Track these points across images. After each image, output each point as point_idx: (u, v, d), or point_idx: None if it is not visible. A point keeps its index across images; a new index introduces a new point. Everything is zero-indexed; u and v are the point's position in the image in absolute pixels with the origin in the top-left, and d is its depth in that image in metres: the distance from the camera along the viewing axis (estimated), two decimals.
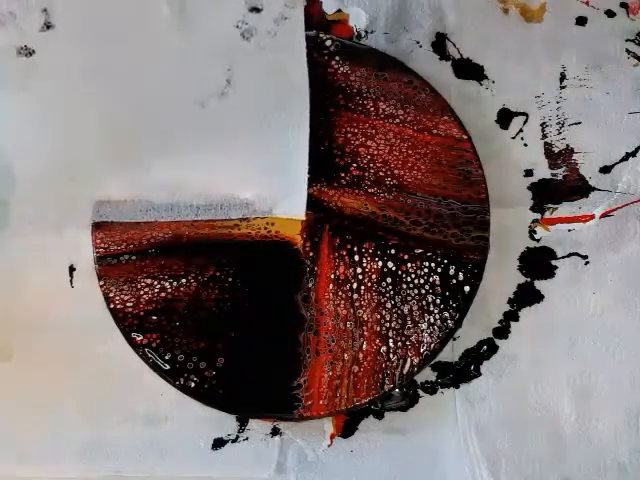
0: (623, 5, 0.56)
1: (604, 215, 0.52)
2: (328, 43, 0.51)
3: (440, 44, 0.55)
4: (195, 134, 0.51)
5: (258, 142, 0.51)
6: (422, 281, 0.50)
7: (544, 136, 0.54)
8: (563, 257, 0.52)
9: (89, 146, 0.51)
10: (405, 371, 0.48)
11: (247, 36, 0.50)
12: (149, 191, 0.51)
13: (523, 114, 0.54)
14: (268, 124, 0.50)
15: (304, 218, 0.50)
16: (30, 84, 0.50)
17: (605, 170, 0.53)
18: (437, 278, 0.50)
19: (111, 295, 0.49)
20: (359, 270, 0.50)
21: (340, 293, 0.49)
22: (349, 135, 0.52)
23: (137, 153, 0.51)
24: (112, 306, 0.49)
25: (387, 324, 0.49)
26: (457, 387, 0.50)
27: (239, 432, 0.49)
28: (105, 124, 0.51)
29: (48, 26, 0.49)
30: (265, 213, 0.51)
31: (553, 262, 0.52)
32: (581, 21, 0.56)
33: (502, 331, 0.51)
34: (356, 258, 0.50)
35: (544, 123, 0.54)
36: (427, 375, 0.50)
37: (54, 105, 0.50)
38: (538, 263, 0.52)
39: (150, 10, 0.50)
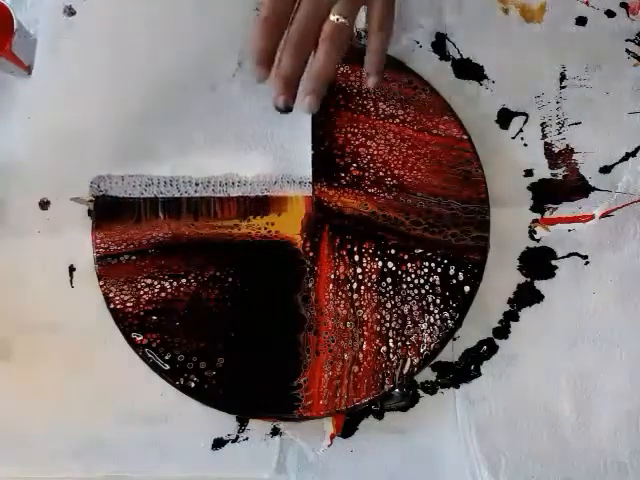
0: (623, 5, 0.56)
1: (604, 215, 0.52)
2: None
3: (440, 44, 0.55)
4: (202, 112, 0.52)
5: (262, 123, 0.52)
6: (422, 281, 0.50)
7: (544, 136, 0.54)
8: (563, 257, 0.52)
9: (96, 119, 0.52)
10: (405, 371, 0.48)
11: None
12: (149, 166, 0.51)
13: (523, 114, 0.54)
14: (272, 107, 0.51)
15: (310, 194, 0.51)
16: (64, 43, 0.54)
17: (605, 170, 0.53)
18: (437, 278, 0.50)
19: (111, 295, 0.49)
20: (359, 270, 0.50)
21: (340, 293, 0.49)
22: (349, 135, 0.52)
23: (140, 128, 0.52)
24: (112, 306, 0.49)
25: (387, 324, 0.49)
26: (457, 387, 0.50)
27: (239, 432, 0.49)
28: (116, 99, 0.52)
29: None
30: (265, 192, 0.51)
31: (553, 262, 0.52)
32: (581, 21, 0.56)
33: (502, 331, 0.51)
34: (356, 258, 0.50)
35: (544, 123, 0.54)
36: (427, 375, 0.50)
37: (77, 68, 0.53)
38: (538, 263, 0.52)
39: None
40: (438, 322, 0.49)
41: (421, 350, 0.49)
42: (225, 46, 0.53)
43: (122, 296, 0.49)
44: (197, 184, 0.51)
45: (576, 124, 0.54)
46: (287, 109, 0.47)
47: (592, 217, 0.52)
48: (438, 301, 0.49)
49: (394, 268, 0.50)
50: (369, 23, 0.48)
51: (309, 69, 0.47)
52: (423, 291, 0.50)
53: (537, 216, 0.53)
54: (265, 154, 0.52)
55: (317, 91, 0.47)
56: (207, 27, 0.54)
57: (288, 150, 0.52)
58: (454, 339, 0.50)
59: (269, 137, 0.52)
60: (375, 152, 0.52)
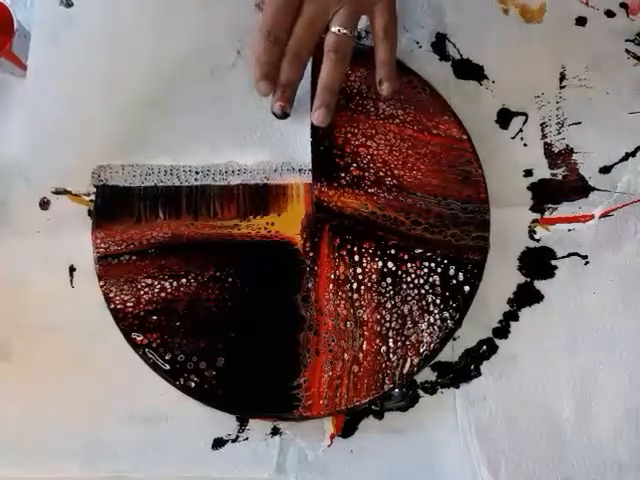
0: (623, 5, 0.56)
1: (604, 215, 0.52)
2: None
3: (440, 44, 0.55)
4: (202, 102, 0.52)
5: (261, 111, 0.52)
6: (422, 281, 0.50)
7: (544, 136, 0.54)
8: (563, 257, 0.52)
9: (96, 113, 0.52)
10: (405, 371, 0.48)
11: (262, 7, 0.51)
12: (150, 155, 0.52)
13: (523, 114, 0.54)
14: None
15: (310, 181, 0.51)
16: (62, 35, 0.53)
17: (605, 170, 0.53)
18: (437, 278, 0.50)
19: (111, 295, 0.49)
20: (359, 270, 0.50)
21: (340, 293, 0.49)
22: (349, 135, 0.52)
23: (140, 119, 0.52)
24: (112, 306, 0.49)
25: (387, 324, 0.49)
26: (457, 387, 0.50)
27: (239, 432, 0.49)
28: (116, 91, 0.53)
29: None
30: (265, 179, 0.51)
31: (553, 262, 0.52)
32: (581, 21, 0.56)
33: (502, 331, 0.51)
34: (356, 258, 0.50)
35: (544, 123, 0.54)
36: (427, 375, 0.50)
37: (75, 59, 0.53)
38: (538, 263, 0.52)
39: None
40: (438, 322, 0.49)
41: (421, 350, 0.49)
42: (224, 35, 0.53)
43: (122, 296, 0.49)
44: (197, 172, 0.51)
45: (576, 124, 0.54)
46: (284, 115, 0.49)
47: (592, 217, 0.52)
48: (438, 301, 0.49)
49: (394, 268, 0.50)
50: (373, 33, 0.48)
51: (318, 83, 0.48)
52: (423, 291, 0.50)
53: (537, 216, 0.53)
54: (265, 142, 0.52)
55: (327, 104, 0.48)
56: (206, 16, 0.54)
57: (287, 138, 0.52)
58: (454, 339, 0.50)
59: (268, 125, 0.52)
60: (375, 152, 0.52)
